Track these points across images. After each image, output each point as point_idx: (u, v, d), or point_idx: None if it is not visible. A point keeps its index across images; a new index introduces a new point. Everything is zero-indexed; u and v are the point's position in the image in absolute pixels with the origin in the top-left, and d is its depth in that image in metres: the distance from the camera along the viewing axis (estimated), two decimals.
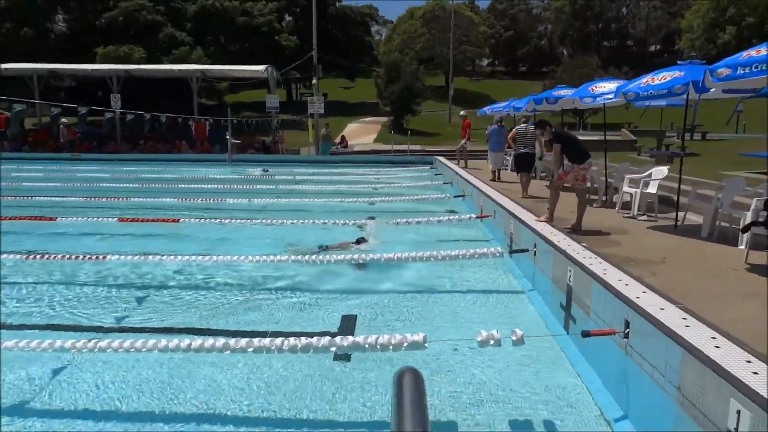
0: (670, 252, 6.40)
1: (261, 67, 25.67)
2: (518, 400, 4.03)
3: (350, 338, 3.98)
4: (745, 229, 5.89)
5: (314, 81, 26.12)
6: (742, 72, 5.07)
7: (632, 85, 7.76)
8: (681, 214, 8.02)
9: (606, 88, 9.27)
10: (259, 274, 6.92)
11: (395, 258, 6.58)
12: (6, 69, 25.73)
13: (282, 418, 3.77)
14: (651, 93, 7.28)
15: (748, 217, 6.26)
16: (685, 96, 6.89)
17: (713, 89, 6.75)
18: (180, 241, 8.68)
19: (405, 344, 3.92)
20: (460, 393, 4.07)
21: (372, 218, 10.17)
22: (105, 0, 33.82)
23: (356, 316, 5.77)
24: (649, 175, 9.14)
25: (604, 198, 10.26)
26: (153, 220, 9.22)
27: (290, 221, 9.22)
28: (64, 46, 33.32)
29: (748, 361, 3.00)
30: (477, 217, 9.20)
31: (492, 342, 3.91)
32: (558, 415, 3.86)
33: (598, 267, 4.97)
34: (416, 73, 37.52)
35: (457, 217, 9.30)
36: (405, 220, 9.00)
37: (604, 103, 9.74)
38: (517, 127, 12.27)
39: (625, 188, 9.15)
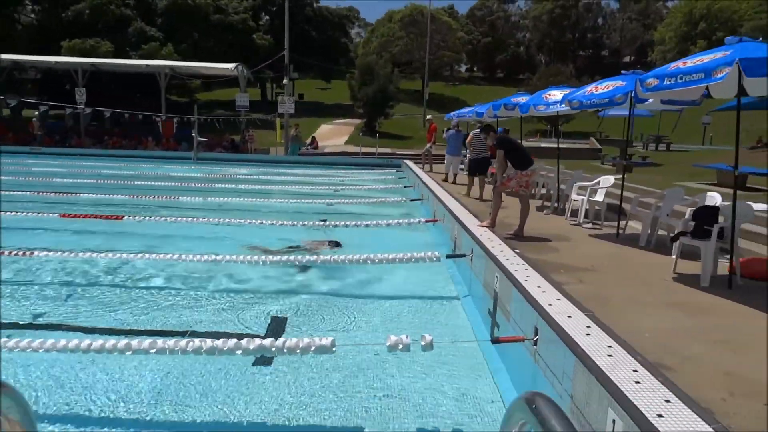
0: (604, 260, 6.46)
1: (231, 65, 25.39)
2: (428, 407, 3.99)
3: (257, 341, 3.89)
4: (674, 238, 5.96)
5: (285, 81, 25.92)
6: (668, 83, 5.13)
7: (577, 94, 7.84)
8: (629, 222, 8.12)
9: (557, 96, 9.34)
10: (195, 273, 6.79)
11: (331, 260, 6.51)
12: None
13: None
14: (594, 101, 7.36)
15: (680, 227, 6.34)
16: (626, 105, 6.96)
17: (651, 99, 6.84)
18: (121, 238, 8.48)
19: (312, 348, 3.86)
20: (371, 396, 4.01)
21: (323, 221, 10.12)
22: None
23: (286, 318, 5.70)
24: (597, 183, 9.23)
25: (555, 205, 10.34)
26: (96, 217, 8.99)
27: (238, 220, 9.08)
28: (33, 38, 32.52)
29: (635, 370, 3.01)
30: (426, 221, 9.18)
31: (401, 347, 3.87)
32: (466, 422, 3.83)
33: (522, 273, 4.98)
34: (390, 76, 37.55)
35: (406, 220, 9.27)
36: (354, 222, 8.94)
37: (558, 112, 9.84)
38: (472, 131, 12.43)
39: (573, 196, 9.23)
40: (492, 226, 7.38)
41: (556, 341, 3.53)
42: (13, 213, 8.92)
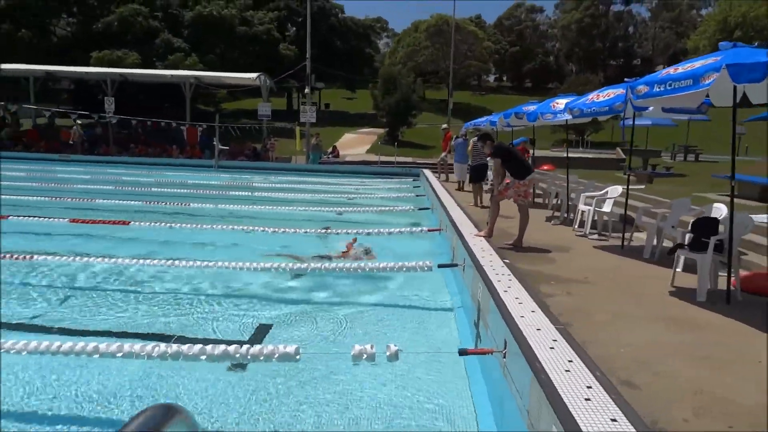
0: (601, 272, 6.27)
1: (253, 75, 25.75)
2: (399, 418, 3.90)
3: (221, 347, 3.88)
4: (672, 251, 5.75)
5: (307, 90, 26.19)
6: (657, 90, 4.97)
7: (579, 102, 7.68)
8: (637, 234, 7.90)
9: (563, 104, 9.18)
10: (193, 280, 6.85)
11: (323, 268, 6.49)
12: (2, 69, 25.98)
13: None
14: (594, 110, 7.20)
15: (678, 238, 6.12)
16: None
17: (651, 108, 6.65)
18: (125, 243, 8.63)
19: (276, 355, 3.83)
20: (345, 406, 3.94)
21: (327, 228, 10.11)
22: (107, 5, 34.21)
23: (272, 325, 5.68)
24: (605, 194, 9.01)
25: (565, 215, 10.13)
26: (103, 222, 9.17)
27: (244, 227, 9.16)
28: (66, 50, 33.67)
29: (588, 387, 2.89)
30: (429, 230, 9.09)
31: (365, 356, 3.81)
32: None
33: (503, 284, 4.86)
34: (412, 86, 37.55)
35: (409, 229, 9.19)
36: (355, 231, 8.91)
37: (567, 121, 9.64)
38: (472, 139, 12.52)
39: (581, 206, 9.02)
40: (489, 236, 7.25)
41: (519, 354, 3.42)
42: (29, 217, 9.19)
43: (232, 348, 3.86)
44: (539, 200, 13.08)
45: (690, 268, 6.04)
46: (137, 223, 9.09)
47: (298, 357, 3.82)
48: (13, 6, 31.14)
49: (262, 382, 4.22)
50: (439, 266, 6.40)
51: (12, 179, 15.12)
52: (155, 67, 29.61)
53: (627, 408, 2.67)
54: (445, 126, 18.13)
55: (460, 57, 61.24)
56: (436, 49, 59.13)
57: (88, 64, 29.09)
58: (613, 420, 2.55)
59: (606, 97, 7.03)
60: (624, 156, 27.33)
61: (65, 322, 5.44)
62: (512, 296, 4.48)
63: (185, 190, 14.15)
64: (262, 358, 3.81)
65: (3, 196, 11.96)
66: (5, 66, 26.92)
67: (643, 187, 14.55)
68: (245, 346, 3.86)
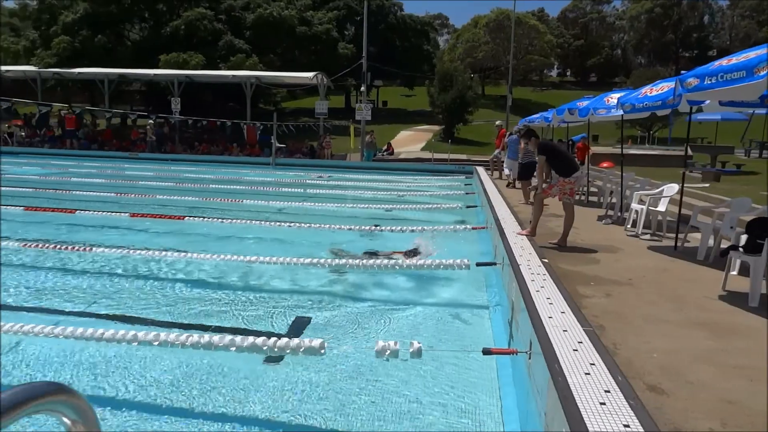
0: (647, 273, 6.01)
1: (310, 74, 26.25)
2: (423, 416, 3.91)
3: (250, 339, 4.02)
4: (724, 252, 5.44)
5: (362, 88, 26.42)
6: (708, 82, 4.71)
7: (631, 96, 7.38)
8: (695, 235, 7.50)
9: (616, 99, 8.81)
10: (234, 273, 7.11)
11: (360, 264, 6.57)
12: (80, 73, 27.76)
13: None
14: (647, 104, 6.90)
15: (732, 239, 5.77)
16: (675, 108, 6.45)
17: (708, 101, 6.31)
18: (182, 237, 9.05)
19: (302, 349, 3.92)
20: (378, 400, 3.99)
21: (376, 226, 10.20)
22: (176, 10, 35.84)
23: (310, 318, 5.82)
24: (660, 192, 8.60)
25: (618, 214, 9.75)
26: (161, 217, 9.66)
27: (289, 224, 9.40)
28: (137, 53, 35.53)
29: (606, 391, 2.80)
30: (473, 228, 9.00)
31: (388, 353, 3.84)
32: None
33: (537, 283, 4.77)
34: (469, 82, 37.07)
35: (452, 227, 9.13)
36: (400, 228, 8.96)
37: (622, 115, 9.26)
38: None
39: (633, 205, 8.66)
40: (532, 234, 7.10)
41: (540, 355, 3.35)
42: (91, 212, 9.80)
43: (260, 340, 3.99)
44: (594, 198, 12.65)
45: (746, 271, 5.68)
46: (191, 219, 9.50)
47: (323, 351, 3.90)
48: (91, 13, 33.18)
49: (292, 374, 4.35)
50: (477, 264, 6.33)
51: (83, 176, 16.17)
52: (218, 69, 30.74)
53: (642, 414, 2.57)
54: (499, 123, 17.83)
55: (521, 52, 59.93)
56: (496, 44, 58.09)
57: (153, 67, 30.60)
58: (626, 426, 2.47)
59: (659, 91, 6.72)
60: (690, 153, 25.95)
61: (115, 311, 5.78)
62: (543, 296, 4.38)
63: (241, 187, 14.65)
64: (288, 351, 3.92)
65: (74, 192, 12.84)
66: (82, 69, 28.79)
67: (707, 185, 13.76)
68: (273, 339, 3.98)
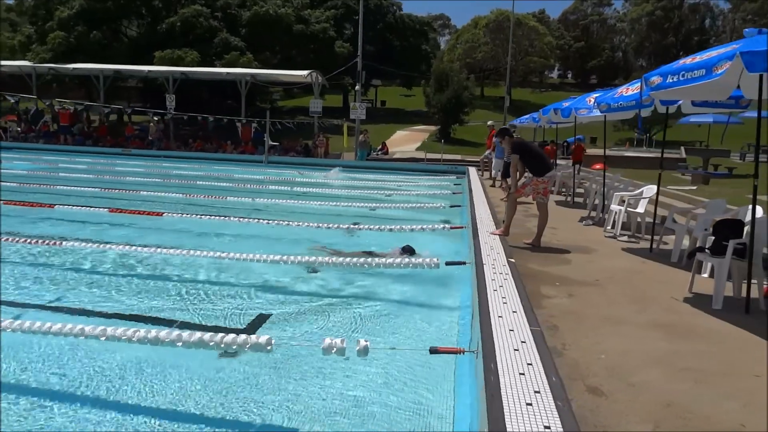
0: (617, 274, 5.96)
1: (305, 72, 26.18)
2: (376, 414, 3.84)
3: (197, 334, 3.95)
4: (691, 254, 5.37)
5: (357, 87, 26.37)
6: (670, 80, 4.64)
7: (607, 96, 7.31)
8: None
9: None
10: (203, 269, 7.05)
11: (329, 262, 6.51)
12: (75, 68, 27.68)
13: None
14: (621, 104, 6.84)
15: (699, 241, 5.71)
16: (649, 107, 6.38)
17: (681, 100, 6.25)
18: (158, 233, 9.00)
19: (248, 345, 3.86)
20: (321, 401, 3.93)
21: (356, 224, 10.13)
22: (172, 6, 35.78)
23: (270, 315, 5.76)
24: (640, 194, 8.54)
25: (600, 215, 9.68)
26: (139, 212, 9.59)
27: (268, 221, 9.32)
28: (132, 50, 35.45)
29: (536, 391, 2.75)
30: (452, 228, 8.92)
31: (335, 350, 3.77)
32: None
33: (496, 282, 4.70)
34: (465, 83, 36.98)
35: (431, 226, 9.04)
36: (378, 227, 8.89)
37: (605, 116, 9.20)
38: None
39: (612, 206, 8.59)
40: (505, 234, 7.04)
41: (480, 354, 3.29)
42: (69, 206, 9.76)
43: (207, 336, 3.92)
44: (579, 200, 12.59)
45: (707, 272, 5.65)
46: (169, 215, 9.44)
47: (269, 348, 3.83)
48: (87, 9, 33.13)
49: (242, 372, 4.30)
50: (447, 264, 6.26)
51: (71, 171, 16.12)
52: (214, 66, 30.66)
53: (567, 415, 2.51)
54: (490, 123, 17.77)
55: (521, 53, 59.85)
56: (496, 45, 58.05)
57: (148, 63, 30.53)
58: (547, 427, 2.41)
59: (634, 91, 6.65)
60: (684, 156, 25.91)
61: (82, 305, 5.72)
62: (499, 296, 4.33)
63: (228, 184, 14.58)
64: (235, 347, 3.86)
65: (59, 187, 12.79)
66: (76, 65, 28.70)
67: (695, 188, 13.68)
68: (220, 335, 3.91)
